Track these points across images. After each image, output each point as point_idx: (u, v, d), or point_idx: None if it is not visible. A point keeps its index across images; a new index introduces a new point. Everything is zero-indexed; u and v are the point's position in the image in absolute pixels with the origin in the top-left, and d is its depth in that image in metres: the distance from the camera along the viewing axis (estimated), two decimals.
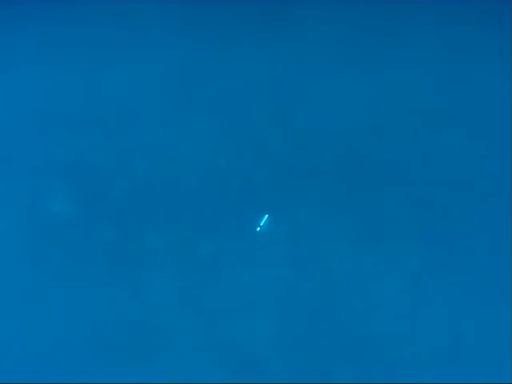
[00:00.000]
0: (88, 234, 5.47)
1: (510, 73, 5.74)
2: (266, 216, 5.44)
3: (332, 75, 5.97)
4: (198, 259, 5.38)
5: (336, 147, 5.71)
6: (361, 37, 6.07)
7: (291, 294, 5.34)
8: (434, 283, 5.41)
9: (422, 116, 5.77)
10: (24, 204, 5.53)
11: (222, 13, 6.00)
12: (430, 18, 5.93)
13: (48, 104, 5.75)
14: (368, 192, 5.62)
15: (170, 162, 5.58)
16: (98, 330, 5.18)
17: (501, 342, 5.14)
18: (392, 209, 5.59)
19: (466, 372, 5.11)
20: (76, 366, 5.08)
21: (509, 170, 5.55)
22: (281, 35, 6.04)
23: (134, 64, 5.78)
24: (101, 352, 5.10)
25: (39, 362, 5.11)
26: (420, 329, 5.23)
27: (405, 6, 5.99)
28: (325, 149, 5.70)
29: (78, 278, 5.36)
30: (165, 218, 5.47)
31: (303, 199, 5.57)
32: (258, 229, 5.43)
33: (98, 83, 5.73)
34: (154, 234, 5.42)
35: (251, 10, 6.00)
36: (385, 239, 5.55)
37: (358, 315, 5.27)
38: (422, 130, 5.74)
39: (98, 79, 5.72)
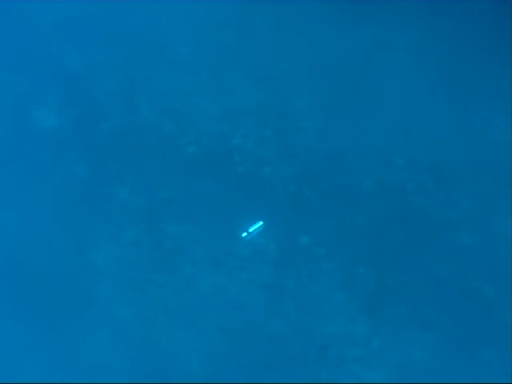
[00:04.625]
0: (58, 163, 4.61)
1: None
2: (260, 223, 4.31)
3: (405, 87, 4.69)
4: (162, 236, 4.37)
5: (380, 174, 4.45)
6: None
7: (249, 325, 4.20)
8: None
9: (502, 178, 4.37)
10: (12, 107, 4.77)
11: None
12: None
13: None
14: (397, 244, 4.33)
15: (178, 115, 4.56)
16: (22, 269, 4.35)
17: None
18: (417, 277, 4.28)
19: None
20: None
21: None
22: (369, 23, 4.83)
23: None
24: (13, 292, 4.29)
25: None
26: None
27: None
28: (366, 170, 4.46)
29: (29, 205, 4.52)
30: (145, 177, 4.48)
31: (313, 220, 4.38)
32: (245, 234, 4.31)
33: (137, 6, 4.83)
34: (126, 191, 4.46)
35: None
36: (393, 311, 4.25)
37: None
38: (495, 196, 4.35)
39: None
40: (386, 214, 4.40)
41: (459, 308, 4.25)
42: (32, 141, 4.67)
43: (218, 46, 4.72)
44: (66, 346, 4.28)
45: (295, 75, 4.61)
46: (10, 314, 4.31)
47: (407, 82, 4.56)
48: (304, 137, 4.52)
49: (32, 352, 4.29)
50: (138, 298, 4.32)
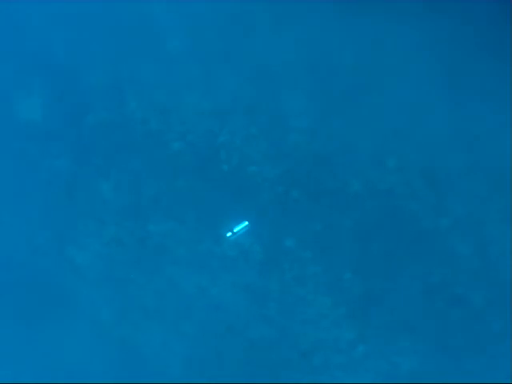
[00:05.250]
0: (41, 156, 4.50)
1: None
2: (245, 223, 4.19)
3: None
4: (145, 235, 4.25)
5: (371, 176, 4.32)
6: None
7: (232, 328, 4.08)
8: None
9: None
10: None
11: None
12: None
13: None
14: (386, 250, 4.20)
15: (165, 110, 4.43)
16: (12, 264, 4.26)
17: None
18: (406, 285, 4.15)
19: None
20: None
21: None
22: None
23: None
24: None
25: None
26: None
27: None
28: (357, 172, 4.33)
29: (10, 199, 4.42)
30: (130, 173, 4.36)
31: (299, 222, 4.25)
32: (230, 234, 4.19)
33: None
34: (110, 187, 4.34)
35: None
36: (380, 319, 4.13)
37: None
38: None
39: None
40: (376, 218, 4.27)
41: (449, 317, 4.12)
42: (15, 133, 4.57)
43: (210, 42, 4.59)
44: (43, 346, 4.19)
45: (288, 74, 4.48)
46: None
47: (402, 82, 4.42)
48: (294, 136, 4.39)
49: (9, 350, 4.20)
50: (118, 297, 4.21)
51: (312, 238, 4.21)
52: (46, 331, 4.24)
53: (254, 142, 4.31)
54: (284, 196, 4.25)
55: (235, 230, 4.17)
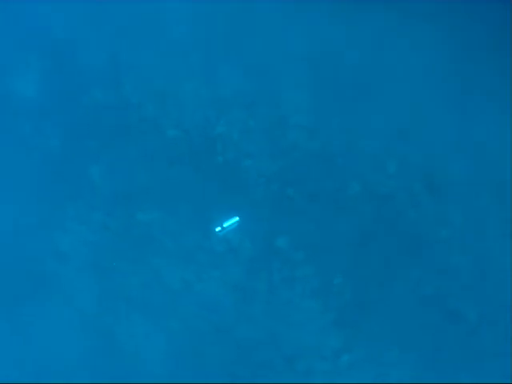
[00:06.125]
0: (33, 134, 4.37)
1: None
2: (236, 219, 4.04)
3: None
4: (133, 223, 4.11)
5: (370, 179, 4.16)
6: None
7: (215, 327, 3.94)
8: None
9: None
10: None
11: None
12: None
13: None
14: (380, 256, 4.03)
15: (162, 96, 4.28)
16: None
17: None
18: (399, 294, 3.99)
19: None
20: None
21: None
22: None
23: None
24: None
25: None
26: None
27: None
28: (356, 174, 4.16)
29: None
30: (121, 159, 4.22)
31: (293, 222, 4.10)
32: (219, 229, 4.04)
33: None
34: (100, 171, 4.20)
35: None
36: (368, 327, 3.97)
37: None
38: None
39: None
40: (373, 223, 4.10)
41: (441, 330, 3.96)
42: (9, 109, 4.44)
43: (214, 31, 4.44)
44: (23, 331, 4.07)
45: (290, 71, 4.32)
46: None
47: (407, 84, 4.25)
48: (293, 133, 4.23)
49: None
50: (102, 285, 4.08)
51: (305, 238, 4.05)
52: (27, 316, 4.12)
53: (251, 135, 4.16)
54: (279, 193, 4.10)
55: (225, 225, 4.02)
